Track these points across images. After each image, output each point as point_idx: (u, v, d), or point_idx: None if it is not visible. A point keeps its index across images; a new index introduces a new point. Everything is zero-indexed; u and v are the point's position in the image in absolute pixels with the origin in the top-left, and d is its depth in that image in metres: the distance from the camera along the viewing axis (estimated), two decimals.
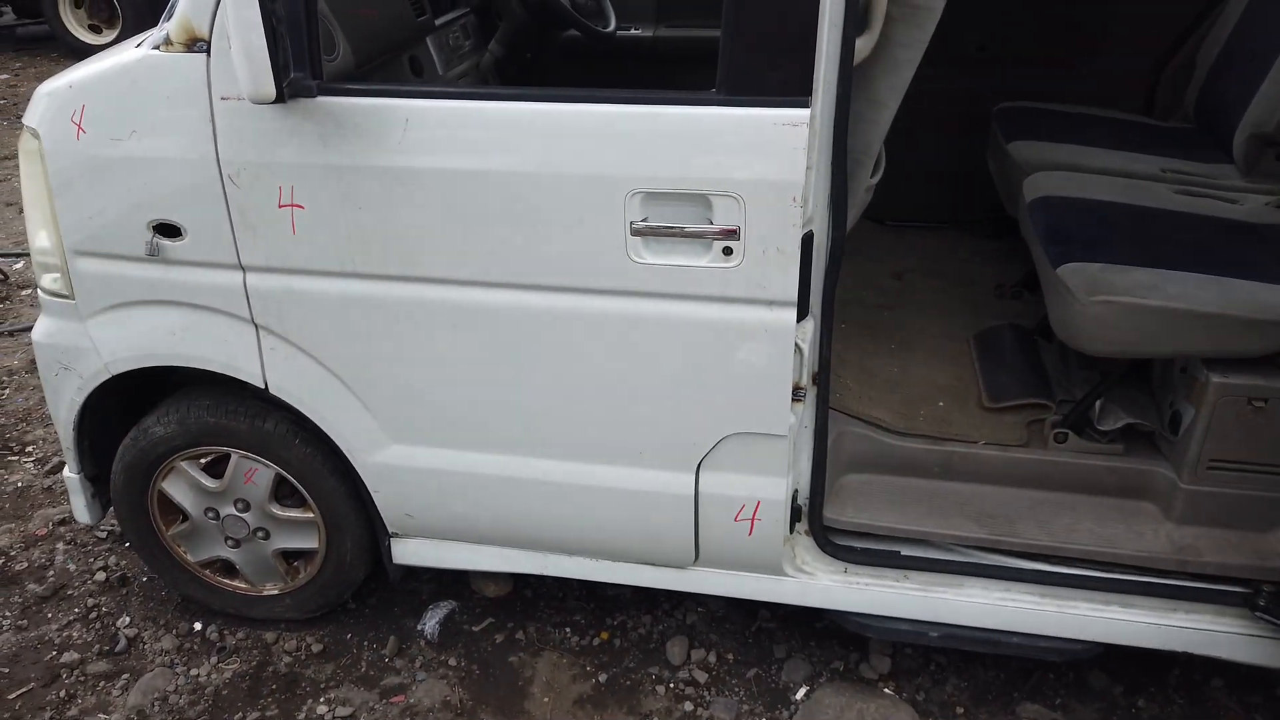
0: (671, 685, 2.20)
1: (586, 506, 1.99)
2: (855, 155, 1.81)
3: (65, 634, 2.38)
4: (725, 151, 1.62)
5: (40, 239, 2.00)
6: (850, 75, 1.63)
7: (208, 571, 2.34)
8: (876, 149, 1.87)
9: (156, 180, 1.83)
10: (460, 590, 2.45)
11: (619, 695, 2.18)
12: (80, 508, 2.31)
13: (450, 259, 1.78)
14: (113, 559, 2.60)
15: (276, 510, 2.20)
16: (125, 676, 2.25)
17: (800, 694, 2.17)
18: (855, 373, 2.36)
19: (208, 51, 1.74)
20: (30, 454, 3.08)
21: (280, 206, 1.80)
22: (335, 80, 1.89)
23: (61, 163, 1.88)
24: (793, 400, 1.82)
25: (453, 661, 2.27)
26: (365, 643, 2.33)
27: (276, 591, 2.32)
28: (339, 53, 1.98)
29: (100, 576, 2.54)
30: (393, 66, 2.28)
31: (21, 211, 2.02)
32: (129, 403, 2.21)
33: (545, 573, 2.15)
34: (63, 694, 2.21)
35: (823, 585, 2.02)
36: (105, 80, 1.83)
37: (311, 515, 2.19)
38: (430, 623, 2.34)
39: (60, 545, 2.66)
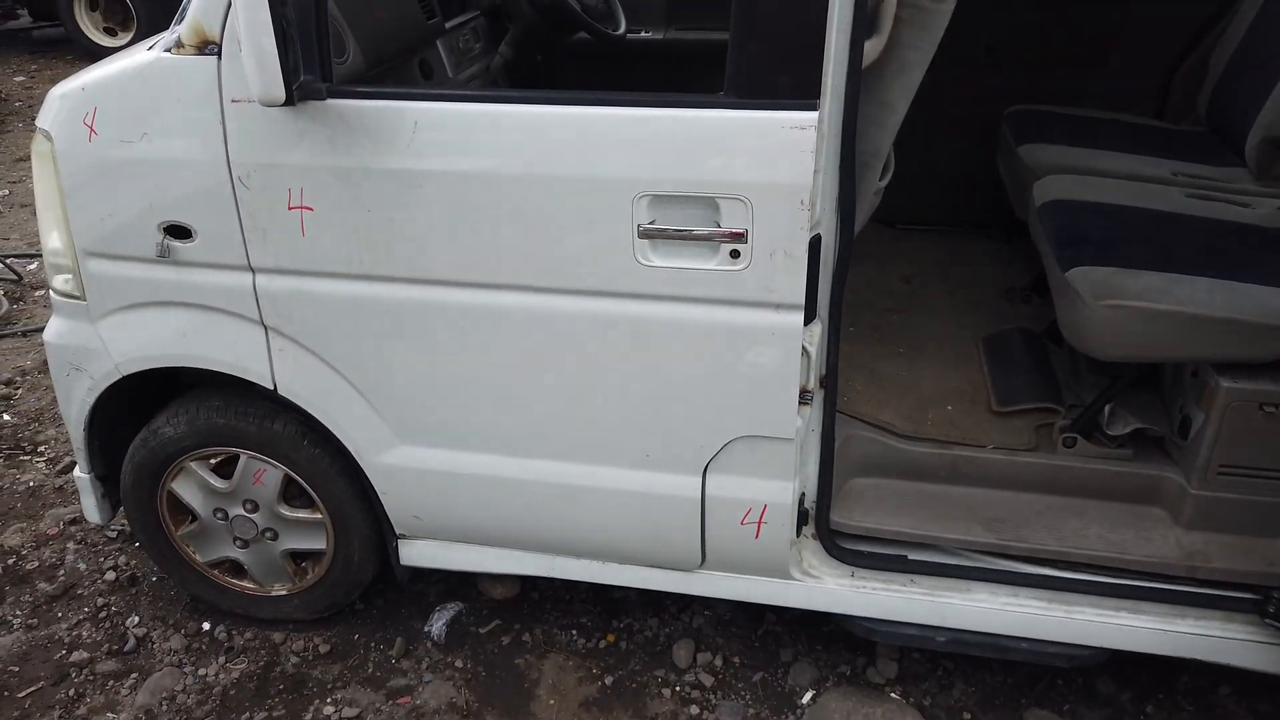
0: (677, 688, 2.20)
1: (593, 508, 1.99)
2: (864, 158, 1.80)
3: (75, 633, 2.39)
4: (733, 154, 1.62)
5: (52, 240, 2.02)
6: (859, 78, 1.62)
7: (216, 572, 2.35)
8: (885, 152, 1.86)
9: (167, 182, 1.84)
10: (467, 592, 2.45)
11: (625, 698, 2.18)
12: (90, 507, 2.32)
13: (458, 261, 1.79)
14: (123, 559, 2.61)
15: (285, 511, 2.21)
16: (134, 676, 2.26)
17: (806, 698, 2.16)
18: (864, 376, 2.36)
19: (219, 54, 1.75)
20: (42, 454, 3.10)
21: (290, 208, 1.81)
22: (345, 83, 1.89)
23: (73, 165, 1.90)
24: (800, 404, 1.82)
25: (459, 663, 2.27)
26: (372, 644, 2.34)
27: (284, 592, 2.33)
28: (349, 55, 1.99)
29: (110, 576, 2.55)
30: (403, 69, 2.28)
31: (36, 213, 2.04)
32: (139, 403, 2.23)
33: (552, 575, 2.15)
34: (71, 693, 2.22)
35: (829, 589, 2.02)
36: (117, 83, 1.84)
37: (319, 516, 2.20)
38: (437, 624, 2.34)
39: (71, 545, 2.68)
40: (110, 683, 2.25)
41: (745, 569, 2.04)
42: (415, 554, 2.20)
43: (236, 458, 2.17)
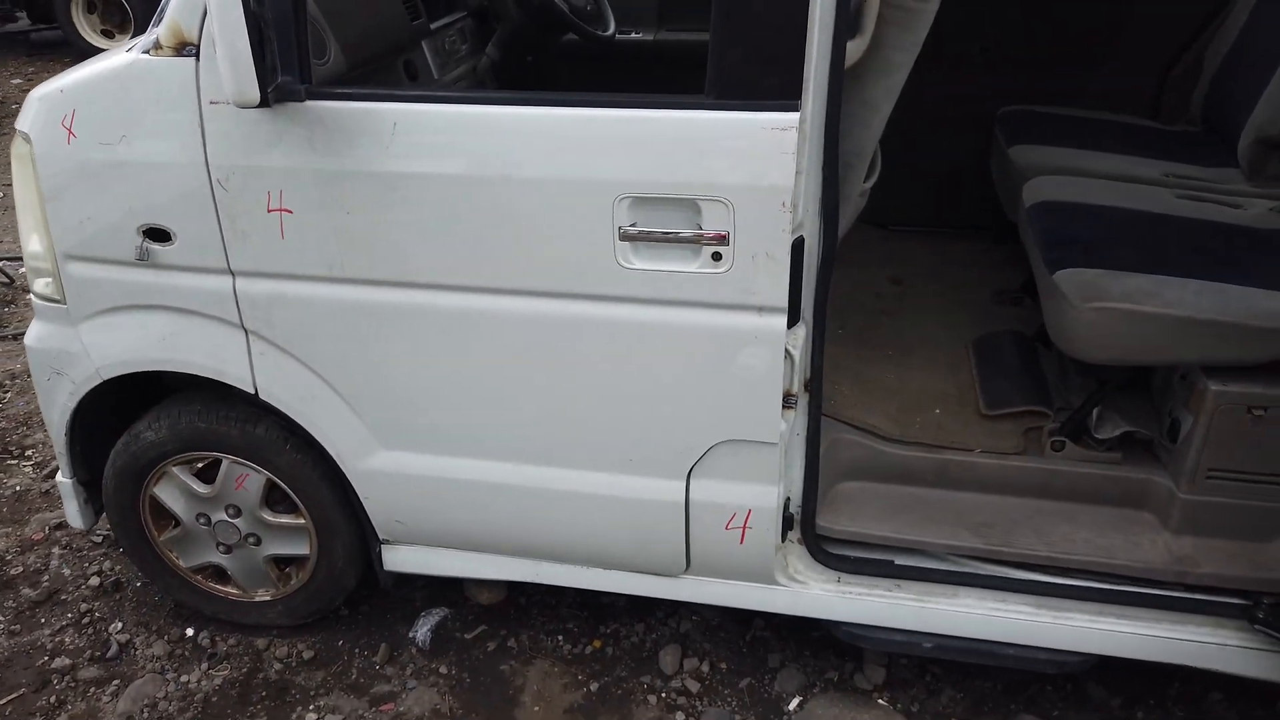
0: (664, 695, 2.18)
1: (576, 513, 1.97)
2: (847, 159, 1.79)
3: (58, 639, 2.37)
4: (714, 156, 1.60)
5: (32, 243, 2.00)
6: (841, 78, 1.61)
7: (200, 577, 2.33)
8: (870, 153, 1.85)
9: (146, 185, 1.83)
10: (454, 597, 2.43)
11: (610, 705, 2.16)
12: (73, 513, 2.30)
13: (439, 264, 1.77)
14: (107, 564, 2.59)
15: (268, 516, 2.19)
16: (116, 683, 2.25)
17: (793, 704, 2.14)
18: (851, 379, 2.34)
19: (196, 55, 1.73)
20: (30, 458, 3.08)
21: (269, 211, 1.79)
22: (326, 84, 1.88)
23: (52, 167, 1.88)
24: (784, 407, 1.80)
25: (444, 669, 2.25)
26: (356, 650, 2.32)
27: (268, 598, 2.32)
28: (330, 56, 1.97)
29: (94, 581, 2.53)
30: (387, 71, 2.27)
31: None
32: (122, 407, 2.21)
33: (536, 580, 2.13)
34: (53, 700, 2.20)
35: (815, 595, 2.00)
36: (96, 85, 1.83)
37: (303, 521, 2.18)
38: (422, 630, 2.33)
39: (56, 550, 2.66)
40: (92, 689, 2.23)
41: (730, 574, 2.02)
42: (399, 559, 2.18)
43: (219, 462, 2.16)
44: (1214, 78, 2.80)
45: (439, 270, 1.78)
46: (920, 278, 2.87)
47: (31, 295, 2.09)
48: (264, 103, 1.59)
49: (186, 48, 1.74)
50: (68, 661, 2.30)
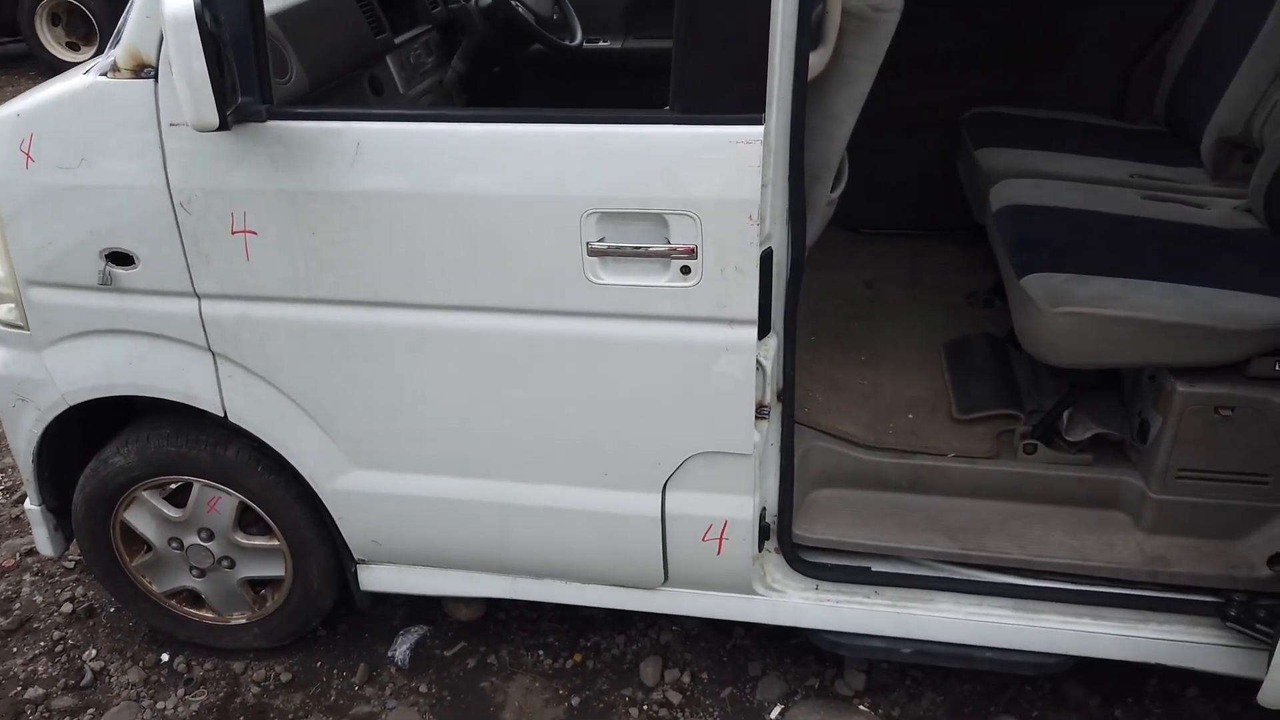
0: (645, 707, 2.17)
1: (552, 529, 1.97)
2: (813, 170, 1.79)
3: (30, 668, 2.34)
4: (680, 170, 1.60)
5: None
6: (805, 90, 1.61)
7: (174, 602, 2.31)
8: (835, 163, 1.85)
9: (107, 208, 1.81)
10: (432, 614, 2.42)
11: (592, 719, 2.15)
12: (43, 540, 2.27)
13: (406, 282, 1.76)
14: (80, 589, 2.56)
15: (241, 539, 2.17)
16: (90, 711, 2.22)
17: (775, 713, 2.14)
18: (824, 386, 2.34)
19: (155, 77, 1.71)
20: None
21: (233, 233, 1.78)
22: (289, 103, 1.86)
23: (11, 192, 1.85)
24: (757, 418, 1.80)
25: (423, 688, 2.24)
26: (335, 670, 2.30)
27: (244, 620, 2.29)
28: (292, 75, 1.95)
29: (67, 608, 2.50)
30: (351, 87, 2.25)
31: None
32: (90, 431, 2.18)
33: (514, 596, 2.12)
34: None
35: (794, 603, 2.00)
36: (53, 108, 1.80)
37: (277, 543, 2.16)
38: (401, 649, 2.31)
39: (27, 576, 2.63)
40: (66, 719, 2.20)
41: (709, 585, 2.02)
42: (375, 579, 2.16)
43: (190, 486, 2.13)
44: (1176, 77, 2.83)
45: (406, 289, 1.77)
46: (892, 281, 2.88)
47: None
48: (223, 126, 1.57)
49: (145, 69, 1.72)
50: (41, 691, 2.27)
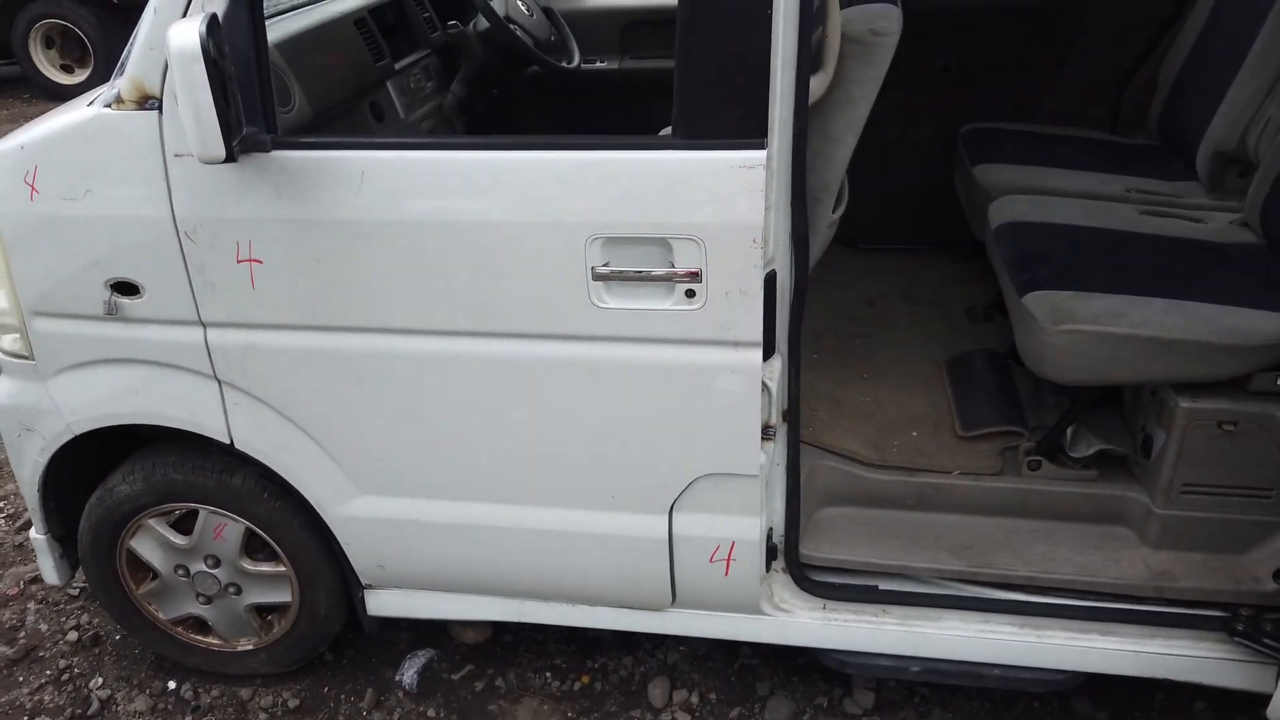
0: None
1: (559, 552, 1.97)
2: (815, 193, 1.80)
3: (37, 698, 2.33)
4: (683, 195, 1.61)
5: None
6: (805, 115, 1.62)
7: (180, 629, 2.30)
8: (836, 185, 1.86)
9: (112, 239, 1.81)
10: (439, 637, 2.41)
11: None
12: (49, 568, 2.27)
13: (412, 309, 1.77)
14: (85, 617, 2.56)
15: (248, 565, 2.17)
16: None
17: None
18: (828, 404, 2.35)
19: (159, 109, 1.72)
20: (2, 510, 3.03)
21: (239, 261, 1.78)
22: (292, 131, 1.88)
23: (16, 224, 1.86)
24: (763, 439, 1.81)
25: (431, 712, 2.24)
26: (342, 695, 2.30)
27: (251, 647, 2.29)
28: (295, 104, 1.97)
29: (72, 636, 2.50)
30: (353, 113, 2.26)
31: None
32: (96, 459, 2.18)
33: (521, 620, 2.12)
34: None
35: (802, 623, 2.00)
36: (57, 140, 1.81)
37: (283, 569, 2.16)
38: (408, 672, 2.31)
39: (32, 605, 2.62)
40: None
41: (716, 606, 2.02)
42: (382, 604, 2.16)
43: (196, 513, 2.13)
44: (1170, 91, 2.85)
45: (412, 315, 1.77)
46: (892, 297, 2.89)
47: None
48: (229, 157, 1.58)
49: (149, 101, 1.73)
50: None
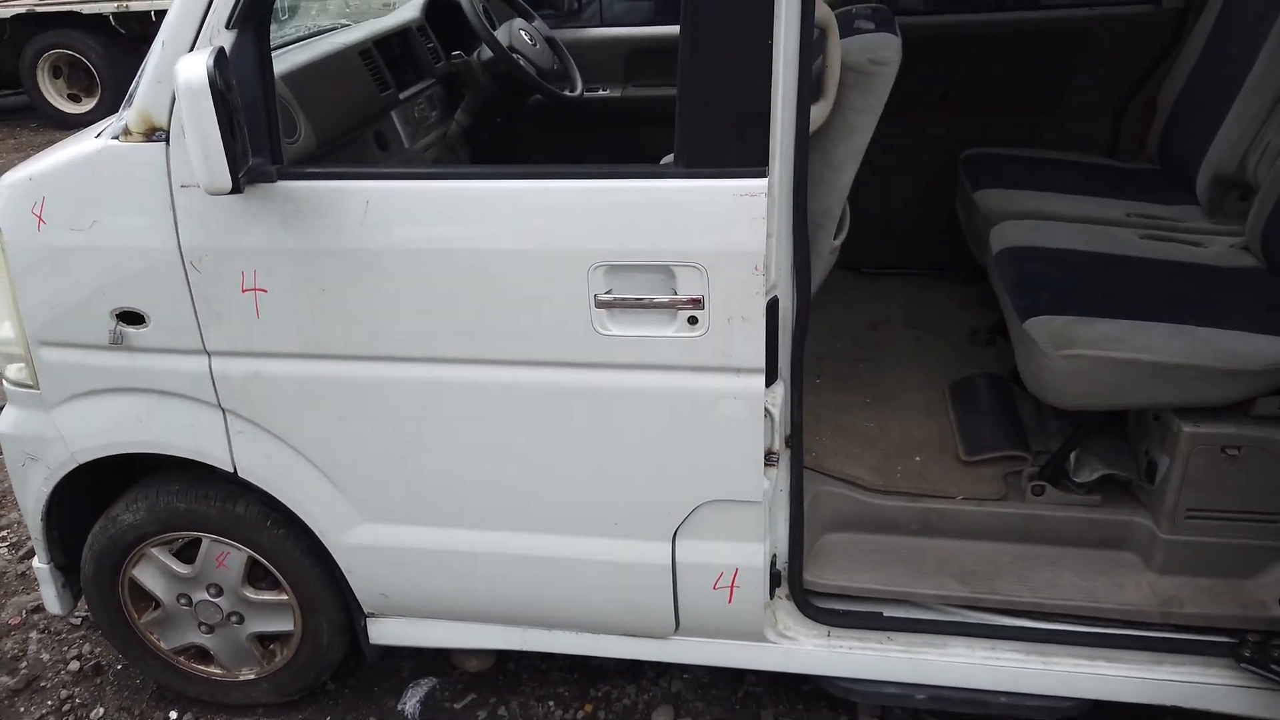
0: None
1: (562, 579, 1.96)
2: (816, 219, 1.81)
3: None
4: (685, 223, 1.62)
5: (3, 330, 1.99)
6: (806, 143, 1.64)
7: (182, 658, 2.29)
8: (838, 212, 1.87)
9: (119, 269, 1.82)
10: (441, 666, 2.40)
11: None
12: (51, 598, 2.27)
13: (416, 337, 1.77)
14: (86, 647, 2.55)
15: (250, 594, 2.17)
16: None
17: None
18: (831, 429, 2.35)
19: (166, 140, 1.74)
20: (4, 539, 3.03)
21: (244, 291, 1.79)
22: (297, 162, 1.89)
23: (23, 254, 1.87)
24: (766, 465, 1.81)
25: None
26: None
27: (253, 676, 2.28)
28: (300, 134, 1.99)
29: (74, 666, 2.49)
30: (358, 143, 2.28)
31: None
32: (98, 488, 2.18)
33: (524, 648, 2.11)
34: None
35: (806, 650, 1.99)
36: (65, 171, 1.82)
37: (286, 598, 2.15)
38: (411, 701, 2.30)
39: (34, 634, 2.61)
40: None
41: (720, 634, 2.01)
42: (385, 632, 2.15)
43: (199, 542, 2.13)
44: (1169, 116, 2.87)
45: (416, 343, 1.78)
46: (894, 321, 2.90)
47: (3, 381, 2.07)
48: (236, 189, 1.59)
49: (156, 133, 1.75)
50: None
